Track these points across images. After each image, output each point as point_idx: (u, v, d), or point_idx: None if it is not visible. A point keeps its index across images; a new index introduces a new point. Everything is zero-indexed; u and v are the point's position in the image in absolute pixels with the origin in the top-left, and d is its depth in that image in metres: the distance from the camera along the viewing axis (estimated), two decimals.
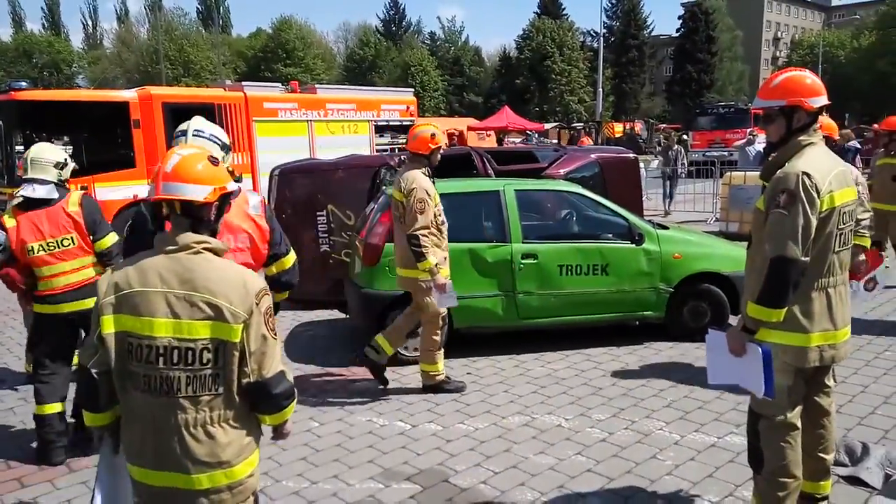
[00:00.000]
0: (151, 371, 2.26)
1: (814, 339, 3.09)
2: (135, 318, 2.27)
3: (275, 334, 2.39)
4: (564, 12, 62.96)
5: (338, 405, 5.41)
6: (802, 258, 2.96)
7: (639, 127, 40.59)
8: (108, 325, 2.29)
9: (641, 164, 10.18)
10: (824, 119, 4.38)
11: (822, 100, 3.13)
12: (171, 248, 2.32)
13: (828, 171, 3.04)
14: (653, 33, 65.39)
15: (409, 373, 6.03)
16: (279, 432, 2.56)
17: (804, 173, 2.96)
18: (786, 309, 3.01)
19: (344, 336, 7.23)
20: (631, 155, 9.09)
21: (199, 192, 2.35)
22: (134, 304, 2.27)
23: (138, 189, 12.16)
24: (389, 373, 5.96)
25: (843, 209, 3.08)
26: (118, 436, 2.47)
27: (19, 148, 11.18)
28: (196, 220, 2.38)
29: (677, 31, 63.70)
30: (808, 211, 2.95)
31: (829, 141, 4.38)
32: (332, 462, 4.46)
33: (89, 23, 74.18)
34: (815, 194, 2.95)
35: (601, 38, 41.21)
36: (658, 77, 68.57)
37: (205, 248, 2.34)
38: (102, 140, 12.93)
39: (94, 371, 2.34)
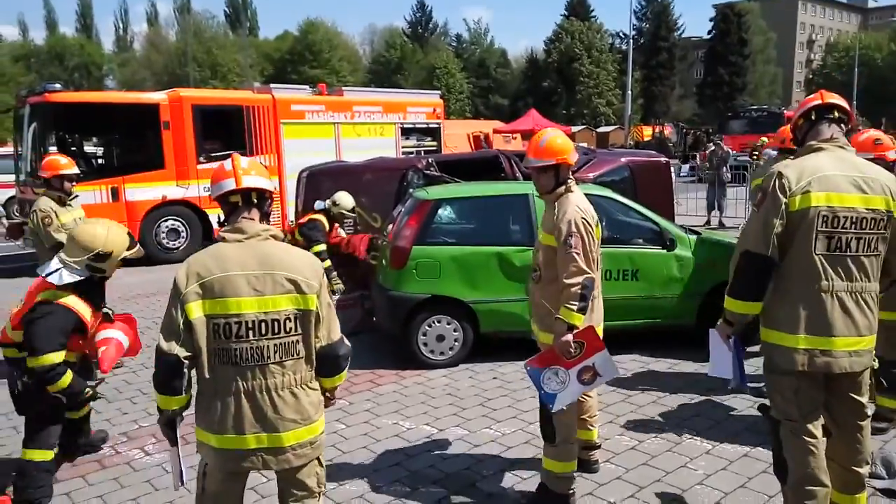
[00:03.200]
0: (242, 344, 2.59)
1: (800, 341, 3.06)
2: (221, 300, 2.57)
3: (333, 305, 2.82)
4: (593, 14, 62.77)
5: (364, 408, 5.41)
6: (768, 254, 3.05)
7: (669, 130, 40.07)
8: (195, 311, 2.57)
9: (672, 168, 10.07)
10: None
11: (807, 107, 3.29)
12: (242, 236, 2.67)
13: (814, 172, 3.04)
14: (683, 35, 64.78)
15: (436, 377, 6.01)
16: (329, 399, 2.92)
17: (778, 173, 3.08)
18: (761, 303, 3.13)
19: (370, 339, 7.22)
20: (663, 159, 8.99)
21: (271, 185, 2.81)
22: (218, 288, 2.58)
23: (167, 190, 12.32)
24: (414, 376, 5.96)
25: (839, 213, 3.01)
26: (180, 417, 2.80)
27: (52, 149, 11.35)
28: (261, 210, 2.76)
29: (708, 33, 63.11)
30: (769, 209, 3.06)
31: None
32: (358, 464, 4.46)
33: (120, 25, 75.65)
34: (780, 194, 3.04)
35: (630, 40, 40.78)
36: (688, 80, 67.75)
37: (270, 235, 2.71)
38: (133, 141, 13.12)
39: (182, 356, 2.58)
